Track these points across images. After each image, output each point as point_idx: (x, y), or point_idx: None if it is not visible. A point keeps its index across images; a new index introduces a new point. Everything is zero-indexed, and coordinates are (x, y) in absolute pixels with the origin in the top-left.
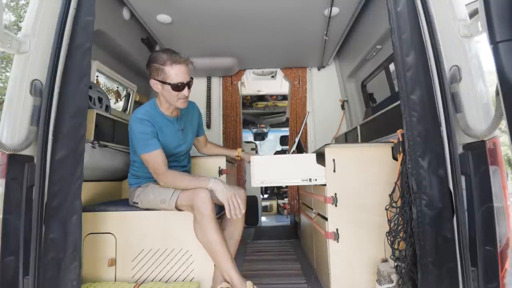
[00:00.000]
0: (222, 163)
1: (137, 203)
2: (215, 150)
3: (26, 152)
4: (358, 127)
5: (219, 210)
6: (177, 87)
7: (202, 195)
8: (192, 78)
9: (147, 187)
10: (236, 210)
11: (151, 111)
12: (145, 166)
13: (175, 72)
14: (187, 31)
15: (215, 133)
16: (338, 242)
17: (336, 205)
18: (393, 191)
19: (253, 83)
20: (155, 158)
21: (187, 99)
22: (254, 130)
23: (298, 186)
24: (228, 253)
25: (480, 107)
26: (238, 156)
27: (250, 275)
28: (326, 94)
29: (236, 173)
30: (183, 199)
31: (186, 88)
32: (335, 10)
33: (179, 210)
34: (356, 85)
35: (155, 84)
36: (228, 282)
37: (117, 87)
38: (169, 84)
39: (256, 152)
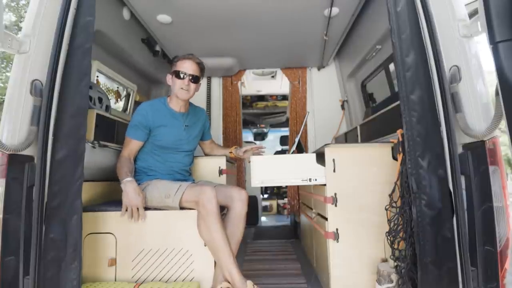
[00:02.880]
0: (222, 163)
1: None
2: (214, 151)
3: (27, 152)
4: (358, 127)
5: (221, 209)
6: (179, 75)
7: (208, 192)
8: (198, 77)
9: (149, 185)
10: (131, 216)
11: (157, 103)
12: (150, 159)
13: (181, 64)
14: (187, 31)
15: (215, 133)
16: (338, 242)
17: (336, 205)
18: (393, 191)
19: (253, 83)
20: (127, 143)
21: (187, 92)
22: (254, 130)
23: (298, 186)
24: (231, 251)
25: (480, 107)
26: (231, 153)
27: (250, 275)
28: (326, 94)
29: (236, 173)
30: (189, 195)
31: (187, 79)
32: (335, 10)
33: (182, 208)
34: (356, 85)
35: (167, 78)
36: (228, 282)
37: (117, 87)
38: (174, 72)
39: None
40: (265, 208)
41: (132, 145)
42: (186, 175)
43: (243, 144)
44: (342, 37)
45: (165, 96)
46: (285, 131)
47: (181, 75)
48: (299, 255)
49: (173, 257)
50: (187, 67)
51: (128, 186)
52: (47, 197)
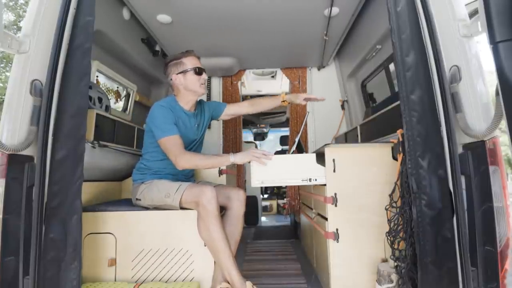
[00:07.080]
0: None
1: (140, 200)
2: (257, 107)
3: (26, 152)
4: (358, 127)
5: (220, 210)
6: (197, 71)
7: (208, 193)
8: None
9: (151, 184)
10: (262, 158)
11: (171, 102)
12: (156, 159)
13: (191, 61)
14: (187, 31)
15: (215, 133)
16: (338, 242)
17: (336, 205)
18: (393, 191)
19: (253, 83)
20: (175, 141)
21: (205, 86)
22: (254, 130)
23: (298, 186)
24: (230, 251)
25: (480, 107)
26: (283, 101)
27: (250, 275)
28: (326, 94)
29: (236, 173)
30: (189, 195)
31: (204, 73)
32: (335, 10)
33: (182, 208)
34: (356, 85)
35: (176, 79)
36: (228, 282)
37: (117, 87)
38: (190, 70)
39: None
40: (265, 208)
41: (179, 139)
42: (189, 175)
43: (243, 145)
44: (342, 37)
45: (166, 96)
46: (285, 131)
47: (198, 70)
48: (299, 255)
49: (173, 257)
50: (197, 62)
51: (237, 156)
52: (47, 197)
